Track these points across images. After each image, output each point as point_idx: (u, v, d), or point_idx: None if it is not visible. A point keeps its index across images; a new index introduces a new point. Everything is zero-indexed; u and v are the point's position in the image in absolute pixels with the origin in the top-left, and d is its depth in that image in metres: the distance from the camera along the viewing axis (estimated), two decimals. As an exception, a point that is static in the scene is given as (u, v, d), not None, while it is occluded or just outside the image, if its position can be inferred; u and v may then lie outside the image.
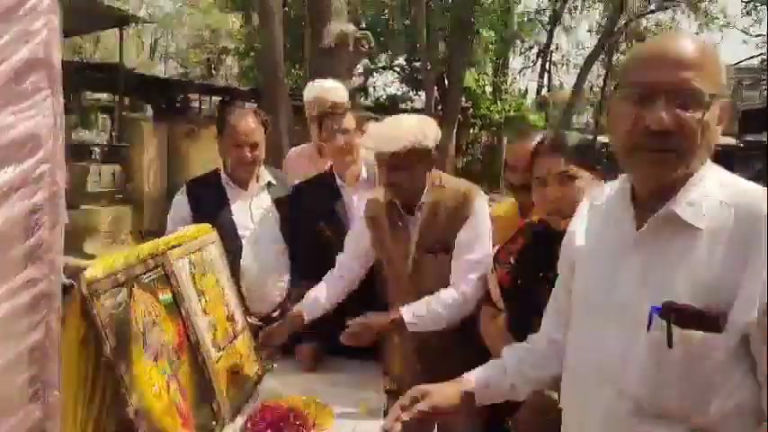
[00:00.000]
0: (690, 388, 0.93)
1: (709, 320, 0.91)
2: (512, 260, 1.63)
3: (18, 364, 0.78)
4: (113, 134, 9.91)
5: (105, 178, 9.34)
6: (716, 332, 0.90)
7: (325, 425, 1.62)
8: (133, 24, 13.07)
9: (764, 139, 12.84)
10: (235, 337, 1.86)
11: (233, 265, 2.06)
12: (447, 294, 1.83)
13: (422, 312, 1.82)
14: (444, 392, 1.23)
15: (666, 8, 20.09)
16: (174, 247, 1.62)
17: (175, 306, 1.53)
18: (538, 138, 1.71)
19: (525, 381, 1.28)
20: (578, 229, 1.17)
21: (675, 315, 0.92)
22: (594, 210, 1.16)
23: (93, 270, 1.19)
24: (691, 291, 0.93)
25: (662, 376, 0.95)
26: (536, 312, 1.42)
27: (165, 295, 1.49)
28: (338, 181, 2.26)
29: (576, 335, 1.14)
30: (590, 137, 1.57)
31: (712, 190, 0.98)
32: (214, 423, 1.56)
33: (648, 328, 0.95)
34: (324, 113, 2.34)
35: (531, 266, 1.56)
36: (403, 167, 1.81)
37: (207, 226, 1.95)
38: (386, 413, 1.85)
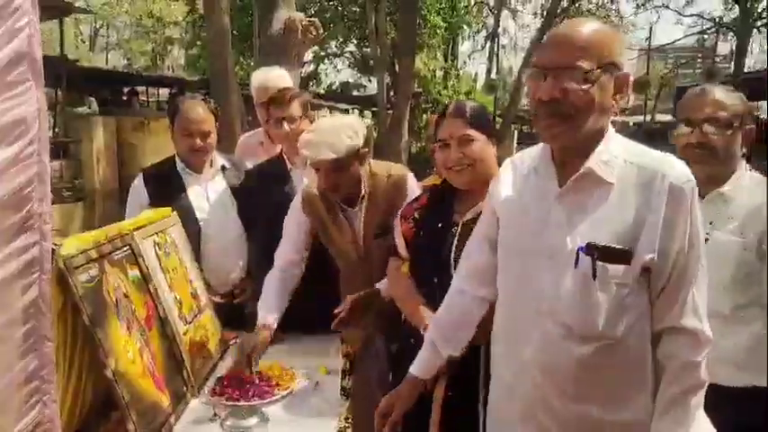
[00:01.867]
0: (608, 309, 1.17)
1: (621, 256, 1.16)
2: (416, 215, 1.80)
3: (15, 320, 0.90)
4: (56, 130, 9.60)
5: (52, 175, 9.06)
6: (627, 264, 1.15)
7: (289, 384, 1.78)
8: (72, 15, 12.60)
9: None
10: (199, 312, 1.99)
11: (193, 246, 2.18)
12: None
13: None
14: (405, 399, 1.48)
15: (606, -10, 20.79)
16: (138, 228, 1.73)
17: (144, 282, 1.65)
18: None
19: (455, 346, 1.49)
20: (502, 189, 1.36)
21: (597, 253, 1.16)
22: (517, 170, 1.36)
23: (67, 247, 1.30)
24: (607, 233, 1.16)
25: (588, 303, 1.18)
26: (433, 258, 1.67)
27: (134, 272, 1.61)
28: (288, 164, 2.37)
29: (508, 276, 1.34)
30: (483, 105, 1.76)
31: (618, 152, 1.21)
32: (185, 389, 1.69)
33: (576, 265, 1.18)
34: (270, 101, 2.41)
35: (430, 220, 1.74)
36: (341, 169, 1.90)
37: (167, 210, 2.06)
38: (344, 373, 2.03)
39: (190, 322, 1.87)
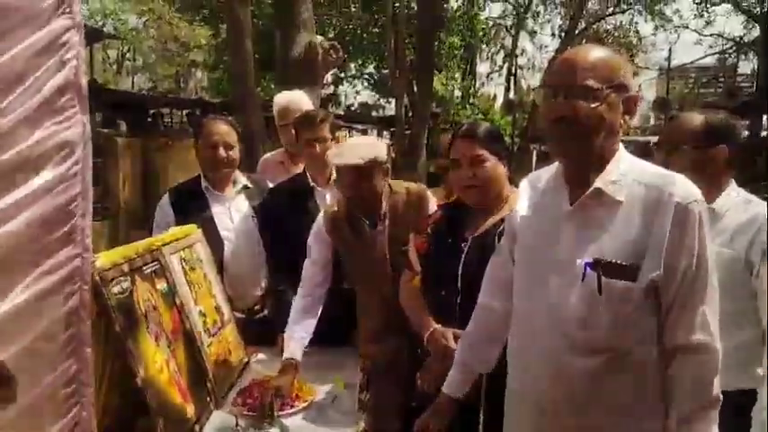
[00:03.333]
0: (613, 324, 1.21)
1: (627, 272, 1.20)
2: (429, 230, 1.86)
3: (58, 325, 0.97)
4: (85, 150, 9.87)
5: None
6: (633, 281, 1.19)
7: (308, 396, 1.83)
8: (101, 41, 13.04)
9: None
10: (222, 325, 2.05)
11: (217, 263, 2.26)
12: None
13: None
14: (439, 417, 1.56)
15: (624, 11, 20.88)
16: (166, 244, 1.81)
17: (171, 295, 1.72)
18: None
19: (485, 363, 1.54)
20: (519, 206, 1.42)
21: (603, 268, 1.21)
22: (533, 189, 1.41)
23: (102, 261, 1.38)
24: (613, 249, 1.21)
25: (593, 317, 1.22)
26: (442, 272, 1.73)
27: (162, 285, 1.68)
28: (311, 182, 2.45)
29: (521, 290, 1.39)
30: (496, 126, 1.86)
31: (626, 171, 1.26)
32: (208, 399, 1.75)
33: (582, 280, 1.22)
34: (300, 123, 2.47)
35: (442, 235, 1.80)
36: (365, 178, 1.96)
37: (193, 227, 2.14)
38: (361, 387, 2.08)
39: (213, 335, 1.94)
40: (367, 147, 2.00)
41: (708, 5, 19.00)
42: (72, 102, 0.93)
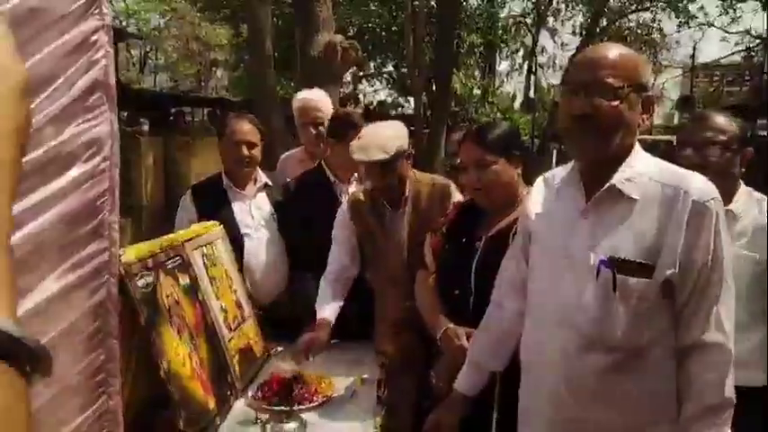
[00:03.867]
0: (628, 322, 1.20)
1: (642, 270, 1.19)
2: (444, 230, 1.88)
3: (86, 317, 1.00)
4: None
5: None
6: (647, 278, 1.18)
7: (327, 391, 1.85)
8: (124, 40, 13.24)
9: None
10: (243, 321, 2.09)
11: (237, 259, 2.29)
12: None
13: None
14: (452, 414, 1.57)
15: (648, 8, 20.54)
16: (188, 240, 1.85)
17: (192, 290, 1.76)
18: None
19: (498, 361, 1.54)
20: (534, 204, 1.42)
21: (617, 266, 1.20)
22: (549, 187, 1.41)
23: (127, 255, 1.42)
24: (629, 247, 1.20)
25: (607, 314, 1.21)
26: (456, 271, 1.74)
27: (184, 280, 1.72)
28: (330, 177, 2.48)
29: (535, 287, 1.39)
30: (506, 127, 1.81)
31: (642, 169, 1.26)
32: (229, 392, 1.78)
33: (597, 277, 1.21)
34: (320, 123, 2.53)
35: (456, 235, 1.81)
36: (390, 170, 2.01)
37: (215, 223, 2.18)
38: (379, 383, 2.09)
39: (234, 330, 1.97)
40: (390, 138, 2.01)
41: (734, 2, 18.61)
42: (101, 100, 0.96)
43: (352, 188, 2.29)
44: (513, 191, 1.73)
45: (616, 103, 1.19)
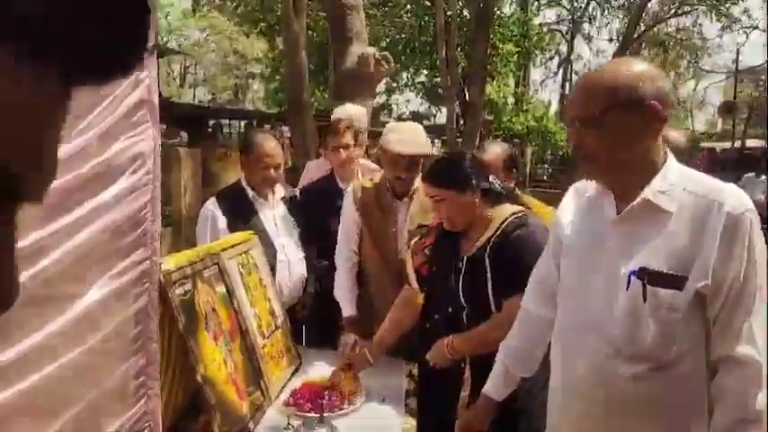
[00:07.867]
0: (658, 333, 1.19)
1: (673, 281, 1.19)
2: (426, 252, 1.99)
3: (128, 322, 1.06)
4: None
5: (144, 202, 9.74)
6: (678, 290, 1.18)
7: (357, 398, 1.88)
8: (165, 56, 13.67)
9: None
10: (276, 328, 2.14)
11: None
12: None
13: None
14: (481, 418, 1.60)
15: (688, 12, 20.07)
16: (225, 249, 1.91)
17: (228, 298, 1.81)
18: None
19: (527, 367, 1.56)
20: (565, 215, 1.43)
21: (648, 277, 1.20)
22: (580, 197, 1.42)
23: (168, 264, 1.48)
24: (660, 258, 1.20)
25: (637, 325, 1.21)
26: (446, 290, 1.84)
27: (221, 288, 1.78)
28: (339, 182, 2.62)
29: (565, 296, 1.39)
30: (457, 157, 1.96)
31: (676, 181, 1.25)
32: (262, 398, 1.83)
33: (627, 288, 1.21)
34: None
35: (443, 257, 1.92)
36: (415, 166, 2.21)
37: (250, 233, 2.24)
38: (407, 392, 2.12)
39: (267, 337, 2.02)
40: (423, 134, 2.23)
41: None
42: (145, 117, 1.02)
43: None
44: (475, 215, 1.81)
45: (594, 131, 1.22)
